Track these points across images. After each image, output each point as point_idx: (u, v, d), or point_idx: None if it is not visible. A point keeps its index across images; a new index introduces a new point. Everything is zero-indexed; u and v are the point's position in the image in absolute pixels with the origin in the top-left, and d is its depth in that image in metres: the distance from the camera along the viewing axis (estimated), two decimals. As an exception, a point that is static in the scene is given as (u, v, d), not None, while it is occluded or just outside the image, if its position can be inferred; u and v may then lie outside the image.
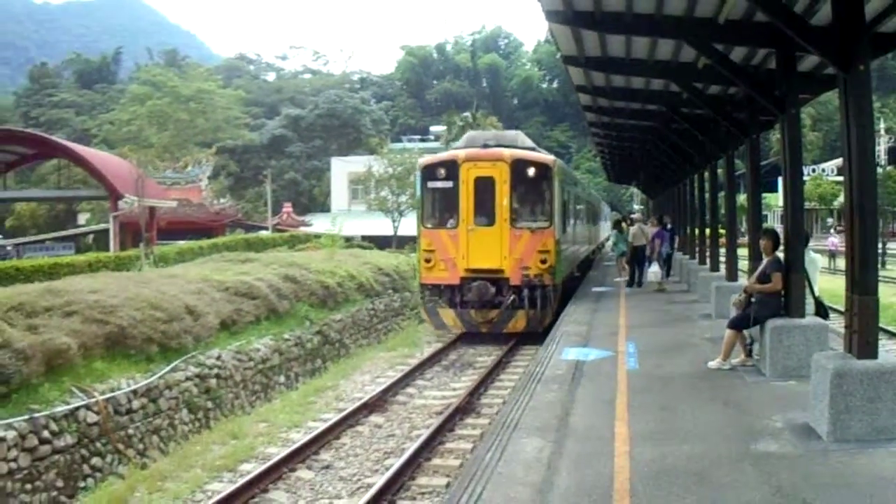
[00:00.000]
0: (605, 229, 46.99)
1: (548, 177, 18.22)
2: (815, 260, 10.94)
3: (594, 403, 9.03)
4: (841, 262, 29.23)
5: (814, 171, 67.38)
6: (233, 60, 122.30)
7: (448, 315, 18.26)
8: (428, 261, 18.21)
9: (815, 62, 11.14)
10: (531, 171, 18.05)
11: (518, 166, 17.91)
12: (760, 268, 10.15)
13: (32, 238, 50.20)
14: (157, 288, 15.00)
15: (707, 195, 20.93)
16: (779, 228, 11.27)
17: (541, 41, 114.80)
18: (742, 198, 25.22)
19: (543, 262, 17.56)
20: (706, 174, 20.35)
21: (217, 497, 8.68)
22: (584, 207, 29.58)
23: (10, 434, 9.38)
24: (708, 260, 20.04)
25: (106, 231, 38.45)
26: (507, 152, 18.15)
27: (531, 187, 18.48)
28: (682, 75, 13.34)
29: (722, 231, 19.26)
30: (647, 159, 27.94)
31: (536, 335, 16.95)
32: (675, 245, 25.13)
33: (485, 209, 17.99)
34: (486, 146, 18.54)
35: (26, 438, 9.60)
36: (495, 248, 17.69)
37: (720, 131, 15.34)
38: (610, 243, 34.09)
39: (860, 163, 7.23)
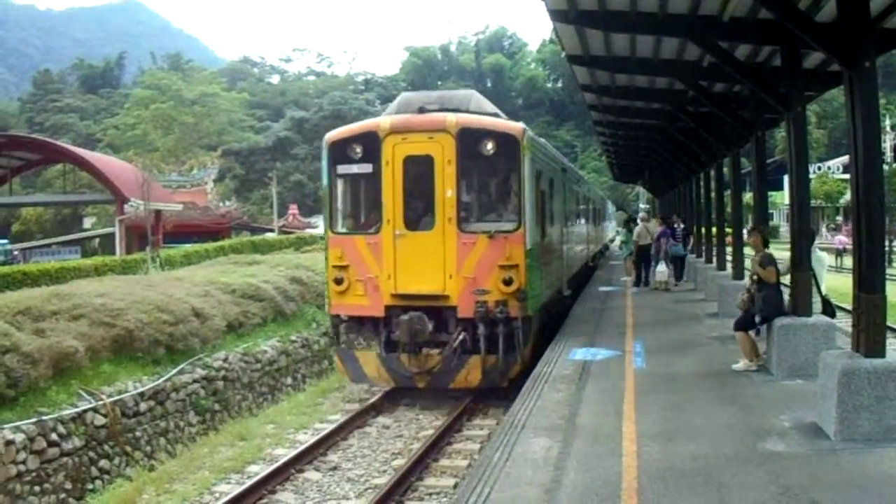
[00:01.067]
0: (610, 230, 46.76)
1: (514, 154, 12.42)
2: (821, 258, 10.93)
3: (602, 403, 9.00)
4: (848, 261, 29.17)
5: (819, 168, 67.21)
6: (236, 63, 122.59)
7: (369, 361, 12.85)
8: (339, 282, 12.60)
9: (820, 59, 11.11)
10: (489, 146, 12.32)
11: (469, 139, 12.24)
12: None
13: (39, 242, 50.51)
14: (163, 291, 15.05)
15: (713, 193, 20.86)
16: (784, 227, 11.25)
17: (545, 41, 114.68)
18: (748, 196, 25.16)
19: (508, 282, 11.93)
20: (712, 172, 20.30)
21: (225, 498, 8.69)
22: (581, 204, 24.07)
23: (19, 437, 9.42)
24: (714, 258, 20.00)
25: (112, 235, 38.65)
26: (453, 119, 12.36)
27: (490, 170, 13.08)
28: (686, 73, 13.31)
29: (728, 230, 19.26)
30: (652, 158, 27.90)
31: (501, 391, 12.42)
32: (690, 247, 24.12)
33: (420, 205, 12.64)
34: (422, 111, 12.72)
35: (34, 441, 9.64)
36: (436, 262, 12.17)
37: (726, 129, 15.31)
38: (617, 243, 34.05)
39: (867, 160, 7.20)
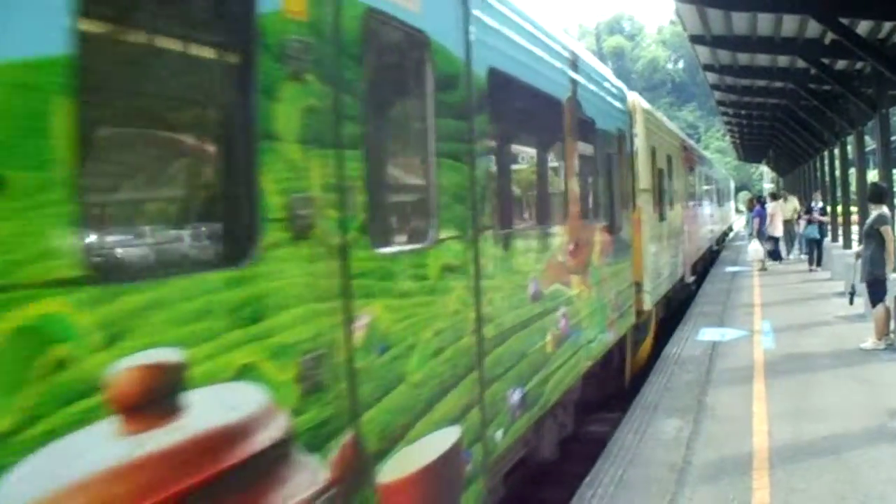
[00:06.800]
0: (731, 212, 46.17)
1: None
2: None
3: (731, 383, 8.98)
4: None
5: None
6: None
7: None
8: None
9: (944, 34, 11.14)
10: None
11: None
12: (867, 224, 10.26)
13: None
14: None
15: (837, 172, 20.60)
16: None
17: (662, 26, 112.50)
18: (871, 174, 24.53)
19: None
20: (836, 151, 20.11)
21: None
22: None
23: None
24: (840, 237, 19.82)
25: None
26: None
27: None
28: (808, 51, 13.40)
29: (853, 208, 19.08)
30: (776, 137, 27.57)
31: None
32: (827, 228, 21.36)
33: None
34: None
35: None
36: None
37: (849, 107, 15.27)
38: (743, 222, 34.10)
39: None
